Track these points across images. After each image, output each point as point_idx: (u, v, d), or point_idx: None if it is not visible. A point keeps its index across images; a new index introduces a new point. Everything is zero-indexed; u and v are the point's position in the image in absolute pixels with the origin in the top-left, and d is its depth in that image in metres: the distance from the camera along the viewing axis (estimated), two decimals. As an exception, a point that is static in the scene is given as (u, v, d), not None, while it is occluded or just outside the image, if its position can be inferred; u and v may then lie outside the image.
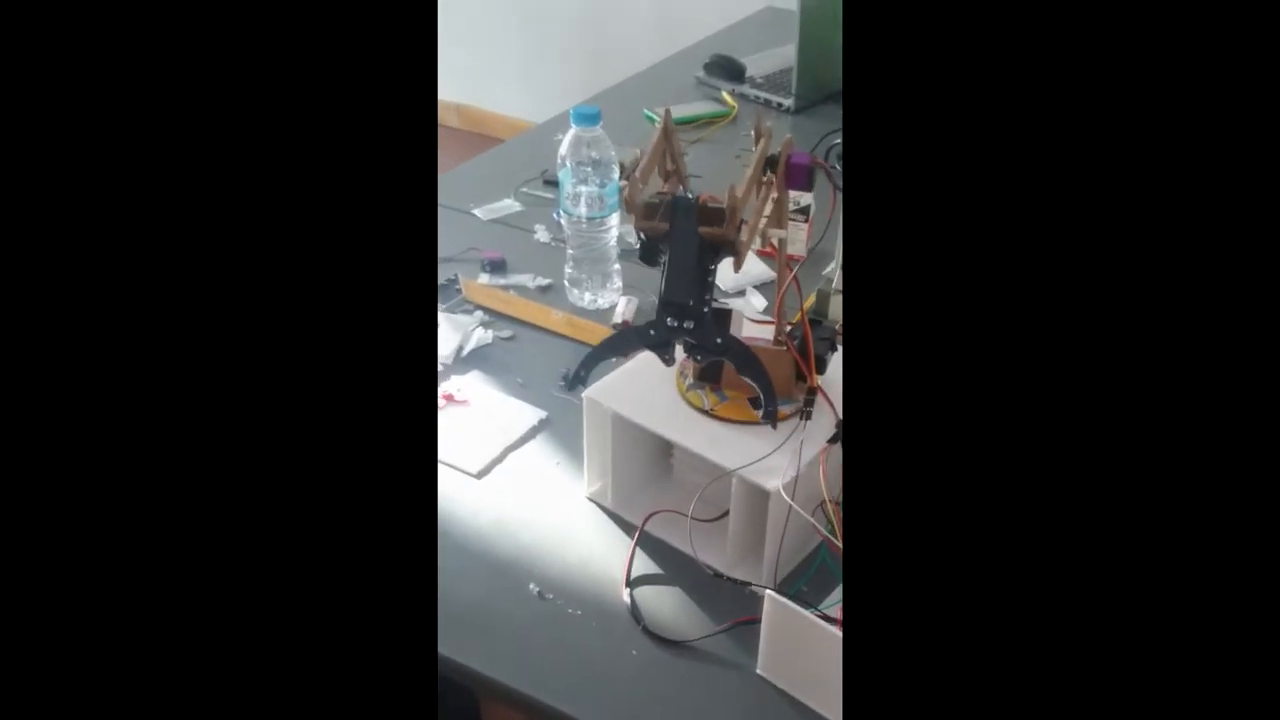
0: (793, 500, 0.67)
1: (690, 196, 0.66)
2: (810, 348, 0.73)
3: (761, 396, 0.69)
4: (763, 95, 1.56)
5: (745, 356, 0.68)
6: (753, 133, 0.74)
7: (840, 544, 0.66)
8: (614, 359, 0.74)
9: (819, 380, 0.74)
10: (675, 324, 0.66)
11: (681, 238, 0.65)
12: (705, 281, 0.66)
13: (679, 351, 0.71)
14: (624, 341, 0.72)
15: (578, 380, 0.72)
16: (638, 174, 0.66)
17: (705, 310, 0.66)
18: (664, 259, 0.66)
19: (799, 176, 0.71)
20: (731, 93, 1.57)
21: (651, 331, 0.67)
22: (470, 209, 1.24)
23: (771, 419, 0.70)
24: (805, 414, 0.73)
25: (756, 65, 1.64)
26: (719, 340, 0.67)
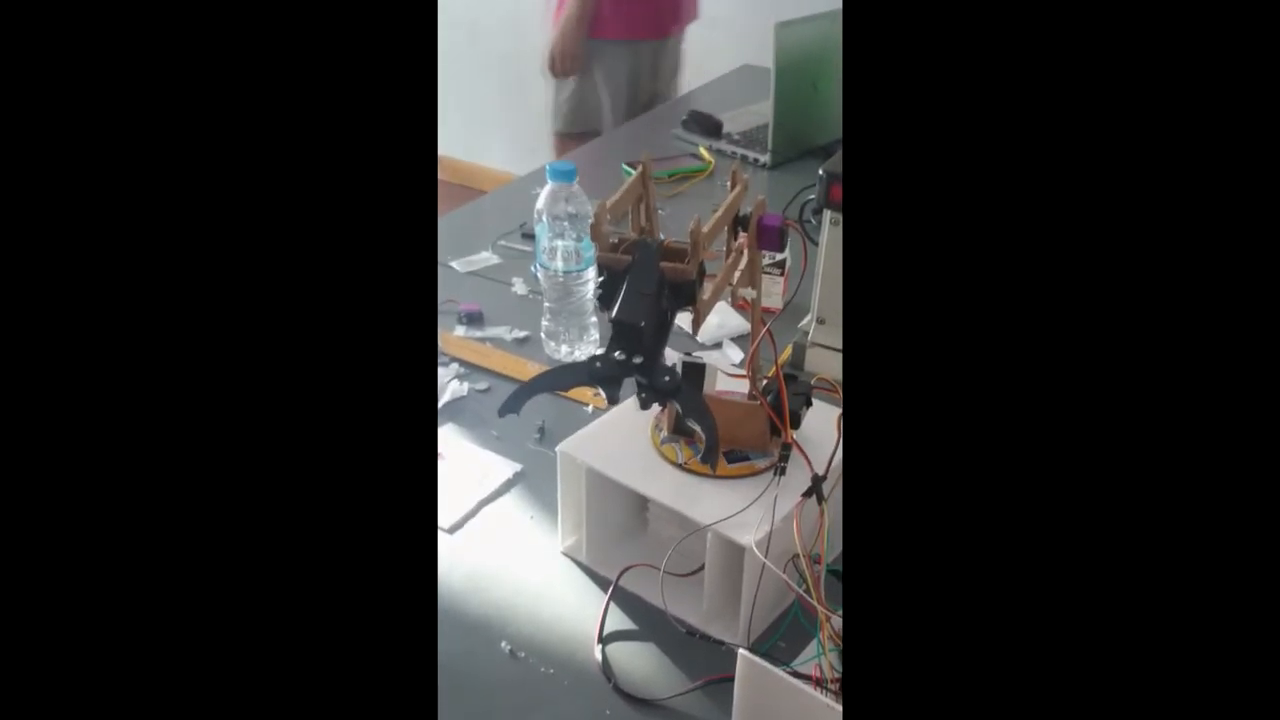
0: (766, 556, 0.67)
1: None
2: (785, 403, 0.73)
3: (706, 443, 0.65)
4: (739, 151, 1.58)
5: (693, 400, 0.65)
6: (729, 179, 0.75)
7: (813, 600, 0.66)
8: (593, 416, 0.74)
9: (794, 434, 0.74)
10: (624, 358, 0.61)
11: (641, 267, 0.62)
12: (662, 316, 0.63)
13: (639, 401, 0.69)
14: (565, 376, 0.67)
15: (509, 409, 0.67)
16: (608, 204, 0.65)
17: (659, 346, 0.62)
18: (621, 291, 0.63)
19: (770, 238, 0.72)
20: (708, 148, 1.59)
21: (598, 364, 0.63)
22: (448, 261, 1.24)
23: (712, 461, 0.67)
24: (780, 469, 0.72)
25: (733, 122, 1.67)
26: (667, 379, 0.63)
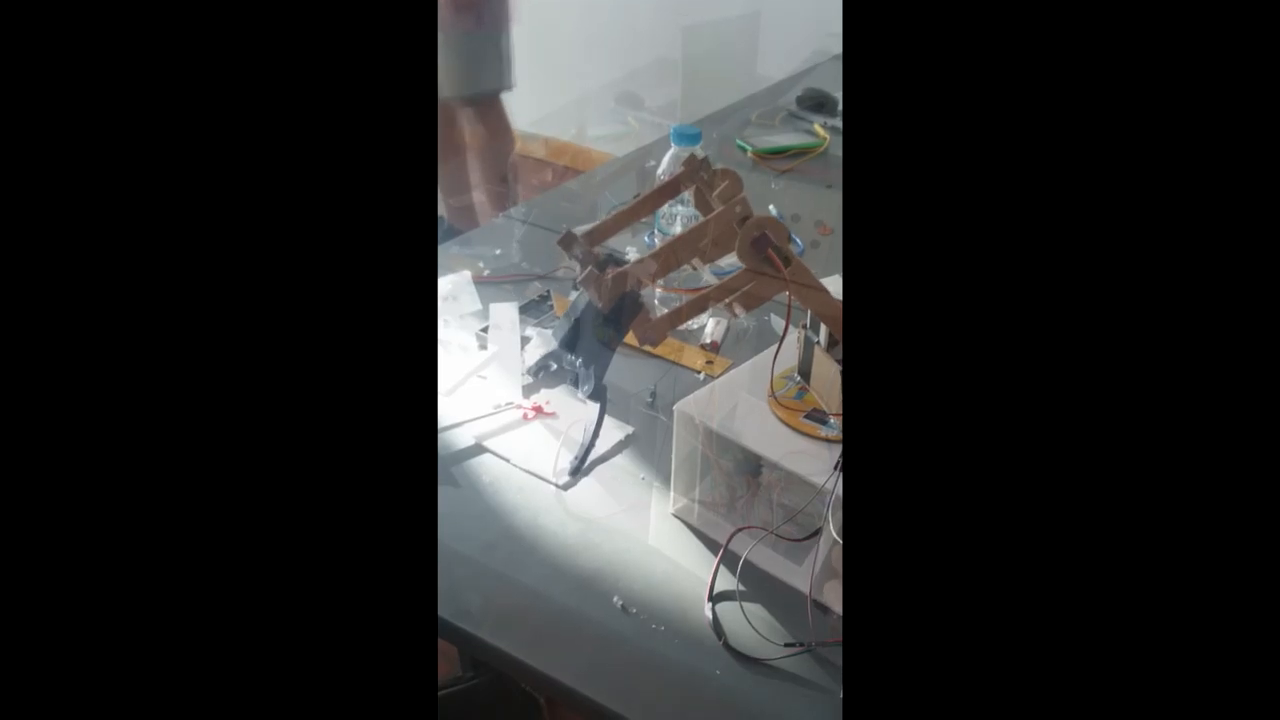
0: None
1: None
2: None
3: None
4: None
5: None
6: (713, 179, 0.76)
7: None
8: (705, 383, 0.74)
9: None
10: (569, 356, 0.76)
11: (588, 305, 0.75)
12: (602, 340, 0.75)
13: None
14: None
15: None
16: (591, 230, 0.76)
17: (596, 362, 0.75)
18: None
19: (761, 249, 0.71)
20: (824, 125, 1.57)
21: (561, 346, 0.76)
22: (566, 229, 1.25)
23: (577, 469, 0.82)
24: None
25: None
26: (588, 387, 0.75)
